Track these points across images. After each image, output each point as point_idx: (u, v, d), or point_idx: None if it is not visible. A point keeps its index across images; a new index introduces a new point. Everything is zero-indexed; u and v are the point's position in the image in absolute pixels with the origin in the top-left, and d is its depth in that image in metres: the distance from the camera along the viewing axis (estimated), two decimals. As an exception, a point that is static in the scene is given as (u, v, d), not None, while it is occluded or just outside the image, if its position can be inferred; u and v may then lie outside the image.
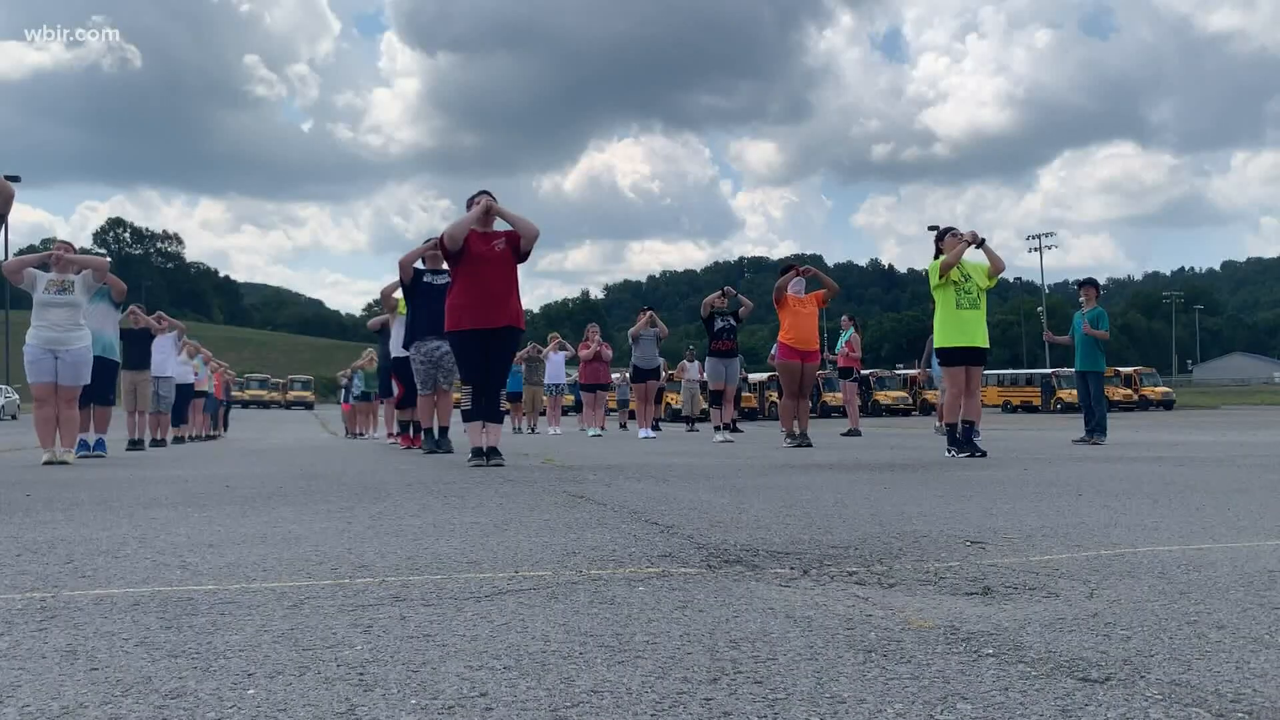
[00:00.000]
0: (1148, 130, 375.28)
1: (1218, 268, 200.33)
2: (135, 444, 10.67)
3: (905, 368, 47.22)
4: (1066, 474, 5.16)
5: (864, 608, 1.82)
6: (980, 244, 7.26)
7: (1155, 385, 43.76)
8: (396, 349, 9.53)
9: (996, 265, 7.36)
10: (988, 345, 7.40)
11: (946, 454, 7.06)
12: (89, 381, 7.51)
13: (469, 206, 6.46)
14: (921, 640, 1.57)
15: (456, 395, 7.77)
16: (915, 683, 1.33)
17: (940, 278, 7.30)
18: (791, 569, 2.24)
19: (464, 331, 6.26)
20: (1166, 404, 41.59)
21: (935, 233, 7.70)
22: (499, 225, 6.43)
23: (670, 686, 1.32)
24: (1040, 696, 1.27)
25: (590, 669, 1.40)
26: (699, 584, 2.06)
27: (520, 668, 1.41)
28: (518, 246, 6.31)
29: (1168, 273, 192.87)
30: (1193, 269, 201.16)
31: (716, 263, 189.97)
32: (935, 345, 7.48)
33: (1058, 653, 1.48)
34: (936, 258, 7.43)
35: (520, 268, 6.39)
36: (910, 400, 38.95)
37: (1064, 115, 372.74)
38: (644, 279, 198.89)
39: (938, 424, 12.48)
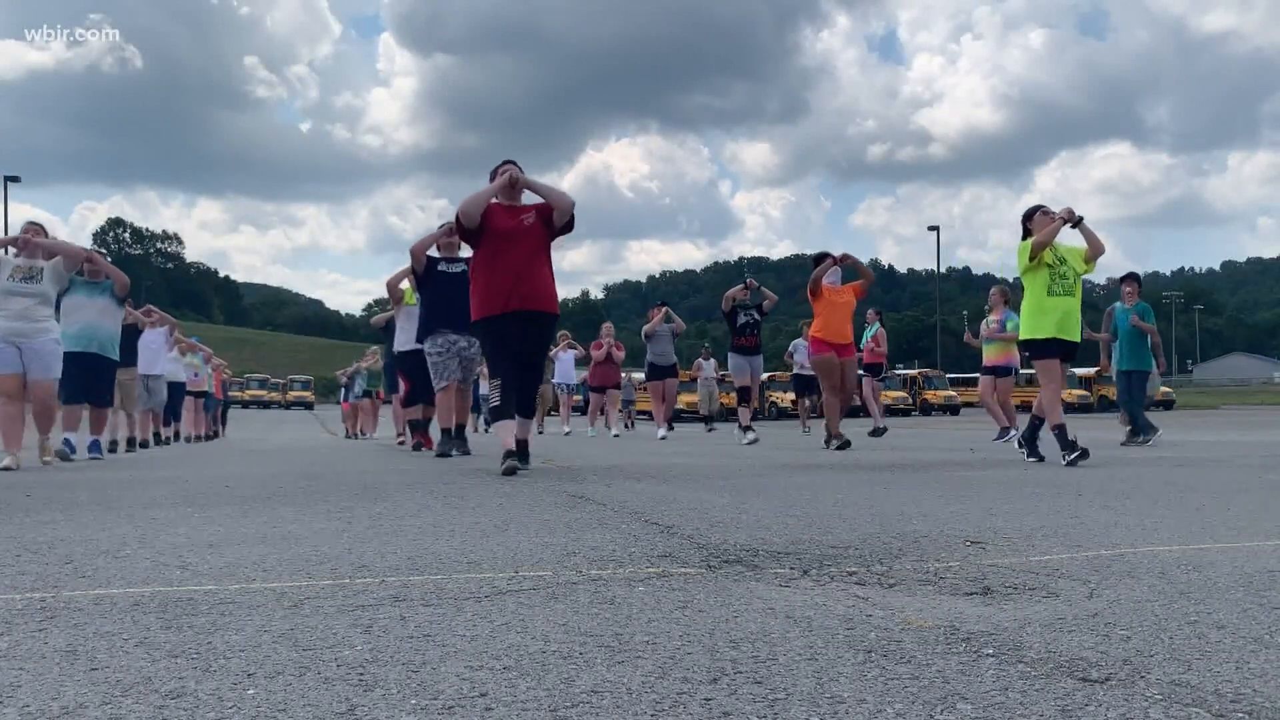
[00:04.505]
0: (1144, 131, 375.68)
1: (1217, 268, 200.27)
2: (136, 443, 10.64)
3: (905, 368, 47.20)
4: (1066, 474, 5.16)
5: (864, 608, 1.82)
6: (1077, 223, 6.30)
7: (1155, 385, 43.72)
8: (401, 345, 9.09)
9: (1095, 247, 6.41)
10: (1079, 340, 6.46)
11: (1023, 458, 6.46)
12: (59, 375, 6.87)
13: (492, 178, 5.71)
14: (921, 640, 1.57)
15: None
16: (915, 683, 1.33)
17: (1031, 259, 6.34)
18: (791, 569, 2.24)
19: (492, 318, 5.48)
20: (1166, 404, 41.58)
21: (1024, 212, 6.67)
22: (527, 199, 5.70)
23: (670, 686, 1.32)
24: (1040, 696, 1.27)
25: (590, 669, 1.40)
26: (699, 584, 2.06)
27: (520, 668, 1.41)
28: (550, 220, 5.57)
29: (1168, 273, 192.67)
30: (1192, 269, 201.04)
31: (716, 263, 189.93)
32: (1022, 337, 6.57)
33: (1058, 653, 1.48)
34: (1025, 238, 6.48)
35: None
36: (910, 400, 38.95)
37: (1060, 116, 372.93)
38: (643, 279, 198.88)
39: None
